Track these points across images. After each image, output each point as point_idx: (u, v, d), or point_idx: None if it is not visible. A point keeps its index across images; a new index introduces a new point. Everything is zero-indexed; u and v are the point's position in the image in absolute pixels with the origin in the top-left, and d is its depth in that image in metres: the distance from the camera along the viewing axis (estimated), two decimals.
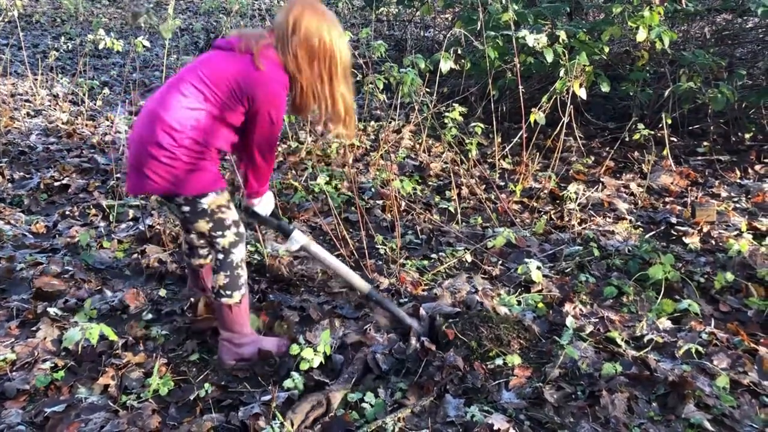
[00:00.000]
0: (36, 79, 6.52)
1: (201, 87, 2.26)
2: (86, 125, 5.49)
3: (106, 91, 6.37)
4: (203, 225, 2.36)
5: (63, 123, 5.48)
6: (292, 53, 2.27)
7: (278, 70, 2.28)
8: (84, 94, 6.07)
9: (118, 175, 4.30)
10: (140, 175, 2.27)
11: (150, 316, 2.84)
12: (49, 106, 6.03)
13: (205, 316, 2.72)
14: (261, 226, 2.66)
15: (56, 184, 4.19)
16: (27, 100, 6.11)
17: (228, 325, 2.49)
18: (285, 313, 2.85)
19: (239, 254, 2.45)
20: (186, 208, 2.34)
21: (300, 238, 2.59)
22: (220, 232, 2.39)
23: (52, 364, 2.44)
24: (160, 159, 2.23)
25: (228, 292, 2.44)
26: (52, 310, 2.76)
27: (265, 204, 2.62)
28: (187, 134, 2.24)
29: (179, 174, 2.26)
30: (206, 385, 2.37)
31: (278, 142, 2.32)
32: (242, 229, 2.47)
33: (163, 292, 2.98)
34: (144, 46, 4.59)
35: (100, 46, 4.85)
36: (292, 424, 2.13)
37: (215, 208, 2.36)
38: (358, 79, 5.11)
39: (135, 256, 3.33)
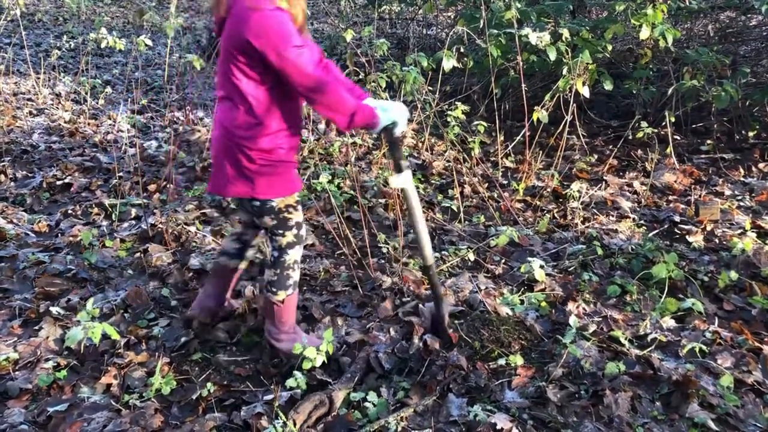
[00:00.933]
0: (38, 78, 6.52)
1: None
2: (88, 124, 5.49)
3: (109, 89, 6.36)
4: (267, 221, 2.38)
5: (65, 122, 5.48)
6: None
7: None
8: (86, 93, 6.07)
9: (121, 174, 4.30)
10: (219, 175, 2.29)
11: (152, 314, 2.84)
12: (52, 104, 6.03)
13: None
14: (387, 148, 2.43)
15: (59, 183, 4.19)
16: (29, 99, 6.11)
17: (269, 318, 2.53)
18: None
19: (294, 256, 2.44)
20: (256, 203, 2.34)
21: (406, 182, 2.43)
22: (281, 231, 2.39)
23: (55, 364, 2.44)
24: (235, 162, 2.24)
25: (274, 290, 2.46)
26: (54, 309, 2.76)
27: (394, 114, 2.32)
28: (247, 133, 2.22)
29: (254, 177, 2.25)
30: (209, 384, 2.36)
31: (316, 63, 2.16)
32: (303, 232, 2.45)
33: (165, 291, 2.97)
34: (146, 45, 4.58)
35: (103, 45, 4.84)
36: (295, 424, 2.13)
37: (282, 207, 2.35)
38: (360, 77, 5.10)
39: (137, 255, 3.33)
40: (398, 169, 2.39)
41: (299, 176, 2.39)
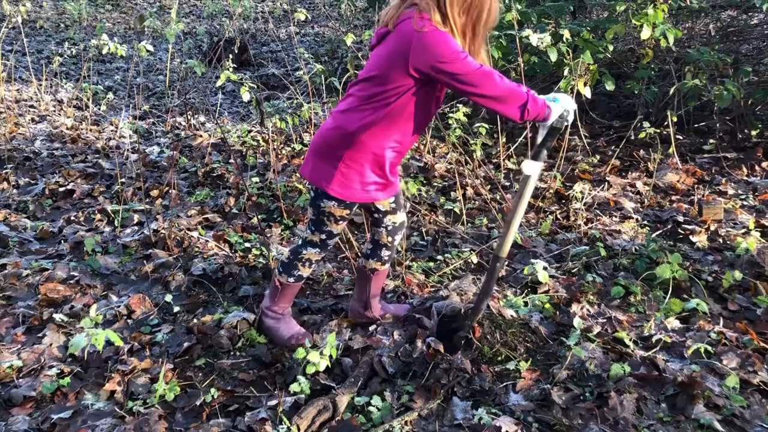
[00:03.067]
0: (40, 85, 6.54)
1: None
2: (90, 130, 5.50)
3: (110, 96, 6.38)
4: (309, 212, 2.48)
5: (67, 128, 5.49)
6: (444, 5, 2.12)
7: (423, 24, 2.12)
8: (88, 99, 6.08)
9: (123, 180, 4.30)
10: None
11: (155, 321, 2.84)
12: (54, 111, 6.04)
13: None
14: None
15: (61, 189, 4.20)
16: (31, 106, 6.13)
17: (269, 290, 2.72)
18: (310, 317, 2.85)
19: (310, 253, 2.55)
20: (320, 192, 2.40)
21: (535, 172, 2.36)
22: (313, 227, 2.49)
23: (59, 371, 2.44)
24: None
25: (280, 269, 2.62)
26: (57, 316, 2.76)
27: (565, 104, 2.31)
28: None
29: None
30: (212, 390, 2.36)
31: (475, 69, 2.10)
32: (330, 241, 2.53)
33: (168, 297, 2.97)
34: (147, 51, 4.59)
35: (104, 51, 4.85)
36: (299, 429, 2.12)
37: (329, 212, 2.41)
38: None
39: (140, 261, 3.33)
40: (536, 158, 2.36)
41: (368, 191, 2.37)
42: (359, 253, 2.71)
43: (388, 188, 2.40)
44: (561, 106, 2.29)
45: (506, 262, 2.57)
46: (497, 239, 3.47)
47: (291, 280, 2.61)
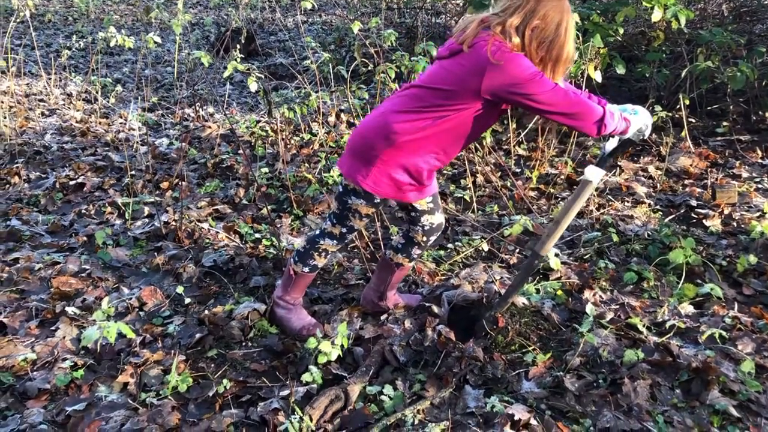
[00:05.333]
0: (50, 79, 6.56)
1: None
2: (100, 123, 5.51)
3: (119, 88, 6.39)
4: (334, 205, 2.48)
5: (77, 121, 5.51)
6: (521, 33, 2.12)
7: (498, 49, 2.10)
8: (97, 92, 6.09)
9: (133, 172, 4.31)
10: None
11: (167, 312, 2.85)
12: (63, 105, 6.06)
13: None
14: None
15: (71, 183, 4.21)
16: (41, 100, 6.15)
17: (282, 280, 2.72)
18: (321, 306, 2.85)
19: (327, 244, 2.55)
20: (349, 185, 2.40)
21: (596, 179, 2.33)
22: (335, 220, 2.49)
23: (72, 363, 2.45)
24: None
25: (296, 258, 2.62)
26: (70, 309, 2.78)
27: (644, 119, 2.30)
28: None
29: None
30: (225, 381, 2.36)
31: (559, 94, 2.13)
32: (349, 236, 2.53)
33: (180, 289, 2.98)
34: (155, 43, 4.58)
35: (112, 44, 4.86)
36: (311, 419, 2.13)
37: (355, 209, 2.41)
38: (369, 68, 5.07)
39: (151, 253, 3.34)
40: (601, 165, 2.36)
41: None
42: (385, 244, 2.69)
43: (423, 190, 2.37)
44: (641, 120, 2.29)
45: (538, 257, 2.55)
46: (512, 227, 3.45)
47: (306, 269, 2.61)
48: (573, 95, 2.15)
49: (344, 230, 2.50)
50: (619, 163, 4.50)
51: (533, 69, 2.08)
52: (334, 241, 2.54)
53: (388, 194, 2.32)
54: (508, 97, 2.11)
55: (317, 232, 2.57)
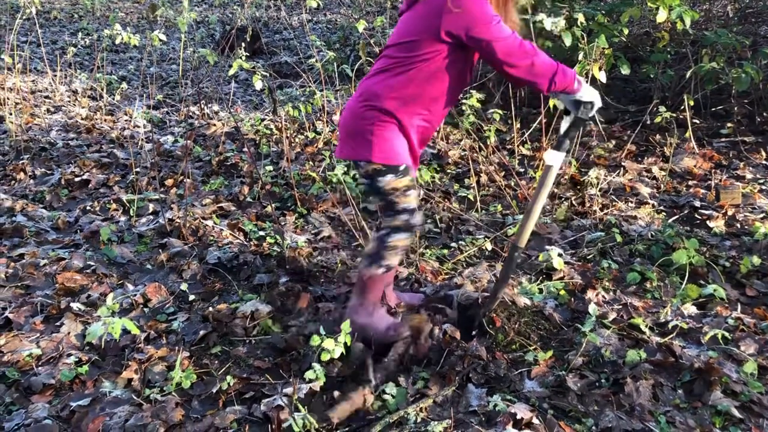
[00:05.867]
0: (55, 76, 6.58)
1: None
2: (105, 120, 5.53)
3: (124, 85, 6.40)
4: (375, 200, 2.40)
5: (82, 118, 5.52)
6: None
7: None
8: (102, 89, 6.11)
9: (138, 169, 4.33)
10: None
11: (171, 309, 2.86)
12: (69, 101, 6.08)
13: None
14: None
15: (77, 179, 4.23)
16: (47, 97, 6.17)
17: (355, 290, 2.54)
18: (325, 305, 2.85)
19: (399, 239, 2.38)
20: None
21: (556, 162, 2.33)
22: (390, 212, 2.35)
23: (77, 359, 2.46)
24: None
25: (366, 262, 2.43)
26: (75, 305, 2.79)
27: (594, 94, 2.28)
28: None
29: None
30: (228, 377, 2.37)
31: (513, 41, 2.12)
32: (414, 220, 2.36)
33: (184, 286, 2.99)
34: (160, 40, 4.59)
35: (117, 41, 4.87)
36: (333, 425, 2.13)
37: (391, 188, 2.29)
38: None
39: (156, 250, 3.35)
40: (559, 148, 2.33)
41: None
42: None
43: (416, 162, 2.37)
44: (590, 92, 2.26)
45: (523, 251, 2.54)
46: (515, 227, 3.46)
47: (380, 271, 2.42)
48: (528, 45, 2.13)
49: (405, 216, 2.33)
50: (623, 164, 4.49)
51: (491, 12, 2.08)
52: (404, 234, 2.37)
53: (402, 159, 2.26)
54: (466, 40, 2.08)
55: (383, 231, 2.38)
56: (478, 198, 3.96)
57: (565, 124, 2.35)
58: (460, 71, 2.24)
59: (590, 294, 2.90)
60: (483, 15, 2.05)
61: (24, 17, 7.11)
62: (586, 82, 2.30)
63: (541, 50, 2.17)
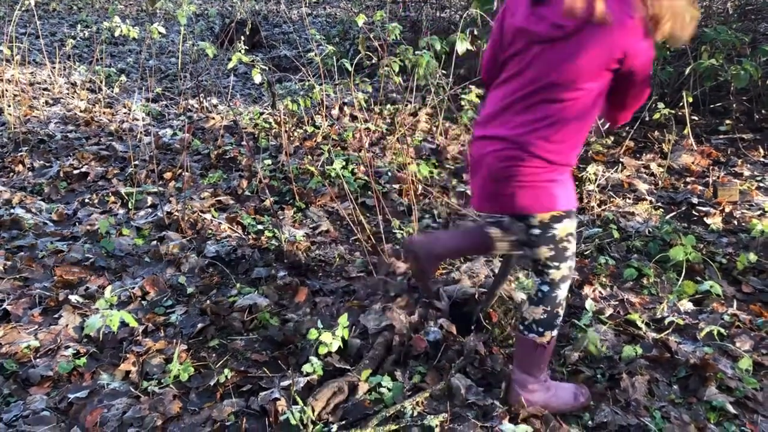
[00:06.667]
0: (54, 68, 6.56)
1: None
2: (104, 113, 5.52)
3: (123, 78, 6.39)
4: (540, 252, 2.06)
5: (81, 111, 5.51)
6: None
7: None
8: (101, 82, 6.10)
9: (136, 162, 4.32)
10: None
11: (169, 302, 2.86)
12: (67, 94, 6.07)
13: None
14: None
15: (75, 172, 4.23)
16: (45, 89, 6.16)
17: (522, 363, 2.19)
18: (322, 299, 2.86)
19: (565, 291, 2.13)
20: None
21: None
22: (557, 262, 2.07)
23: (75, 351, 2.47)
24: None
25: (540, 329, 2.12)
26: (73, 298, 2.80)
27: None
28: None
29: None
30: (226, 370, 2.38)
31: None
32: (573, 263, 2.12)
33: (182, 279, 3.00)
34: (159, 33, 4.59)
35: (116, 34, 4.86)
36: (314, 410, 2.14)
37: (566, 234, 2.04)
38: (373, 61, 5.07)
39: (154, 243, 3.36)
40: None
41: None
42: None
43: None
44: None
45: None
46: None
47: (555, 332, 2.15)
48: None
49: (571, 263, 2.10)
50: (621, 160, 4.50)
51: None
52: (568, 283, 2.13)
53: (575, 201, 2.07)
54: (633, 67, 1.88)
55: (545, 289, 2.10)
56: None
57: None
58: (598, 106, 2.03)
59: (587, 290, 2.92)
60: (649, 42, 1.88)
61: (23, 9, 7.09)
62: None
63: None
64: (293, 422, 2.07)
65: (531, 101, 1.89)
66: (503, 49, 1.98)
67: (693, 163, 4.46)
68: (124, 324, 2.53)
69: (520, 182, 1.94)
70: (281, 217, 3.63)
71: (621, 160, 4.52)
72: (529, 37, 1.87)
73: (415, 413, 2.17)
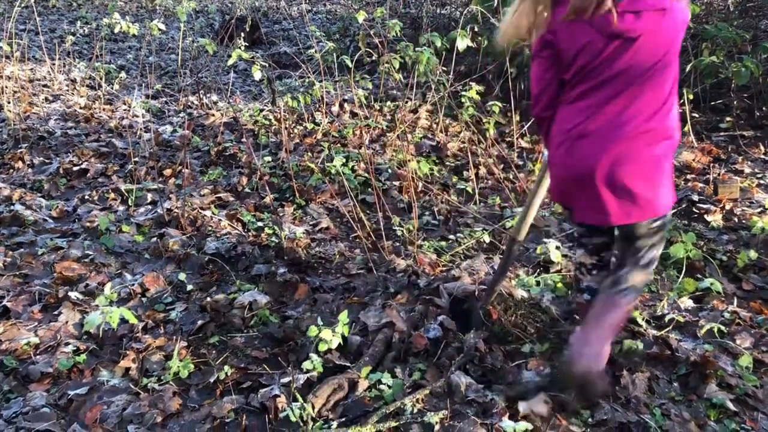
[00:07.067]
0: (53, 64, 6.55)
1: None
2: (104, 109, 5.51)
3: (123, 74, 6.39)
4: (635, 250, 2.12)
5: (81, 107, 5.51)
6: None
7: None
8: (101, 79, 6.09)
9: (136, 159, 4.32)
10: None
11: (169, 299, 2.86)
12: (67, 90, 6.06)
13: None
14: None
15: (75, 168, 4.22)
16: (45, 85, 6.15)
17: (597, 324, 2.12)
18: (322, 296, 2.85)
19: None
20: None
21: None
22: (654, 251, 2.13)
23: (74, 348, 2.47)
24: None
25: (633, 295, 2.12)
26: (73, 294, 2.80)
27: None
28: None
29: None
30: (226, 367, 2.38)
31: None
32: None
33: (182, 276, 2.99)
34: (159, 30, 4.58)
35: (116, 30, 4.86)
36: (313, 407, 2.14)
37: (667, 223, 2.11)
38: (373, 58, 5.07)
39: (154, 239, 3.35)
40: None
41: None
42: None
43: None
44: None
45: (521, 244, 2.54)
46: (514, 219, 3.46)
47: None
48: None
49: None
50: None
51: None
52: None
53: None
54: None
55: (652, 255, 2.12)
56: (477, 190, 3.96)
57: None
58: None
59: None
60: None
61: (22, 5, 7.08)
62: None
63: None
64: (293, 419, 2.07)
65: (649, 86, 2.00)
66: (565, 69, 1.98)
67: (693, 160, 4.46)
68: (123, 321, 2.53)
69: (663, 179, 2.01)
70: (281, 214, 3.63)
71: None
72: (609, 38, 1.88)
73: (415, 410, 2.17)
